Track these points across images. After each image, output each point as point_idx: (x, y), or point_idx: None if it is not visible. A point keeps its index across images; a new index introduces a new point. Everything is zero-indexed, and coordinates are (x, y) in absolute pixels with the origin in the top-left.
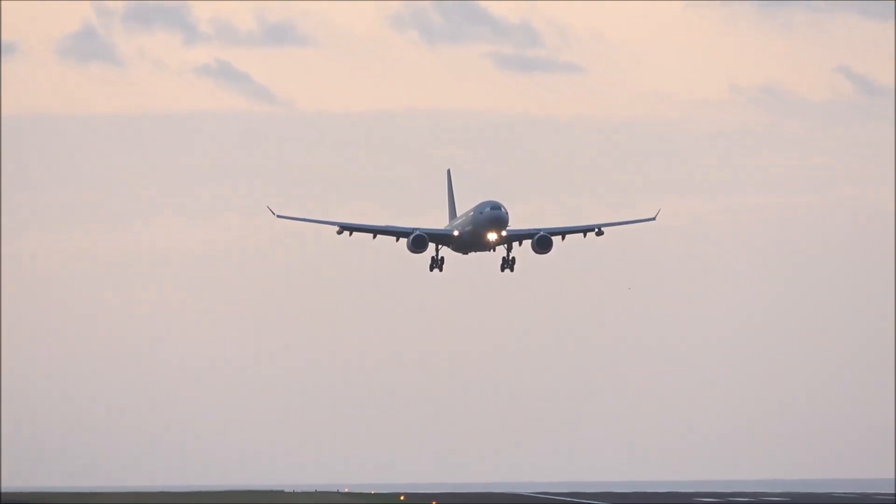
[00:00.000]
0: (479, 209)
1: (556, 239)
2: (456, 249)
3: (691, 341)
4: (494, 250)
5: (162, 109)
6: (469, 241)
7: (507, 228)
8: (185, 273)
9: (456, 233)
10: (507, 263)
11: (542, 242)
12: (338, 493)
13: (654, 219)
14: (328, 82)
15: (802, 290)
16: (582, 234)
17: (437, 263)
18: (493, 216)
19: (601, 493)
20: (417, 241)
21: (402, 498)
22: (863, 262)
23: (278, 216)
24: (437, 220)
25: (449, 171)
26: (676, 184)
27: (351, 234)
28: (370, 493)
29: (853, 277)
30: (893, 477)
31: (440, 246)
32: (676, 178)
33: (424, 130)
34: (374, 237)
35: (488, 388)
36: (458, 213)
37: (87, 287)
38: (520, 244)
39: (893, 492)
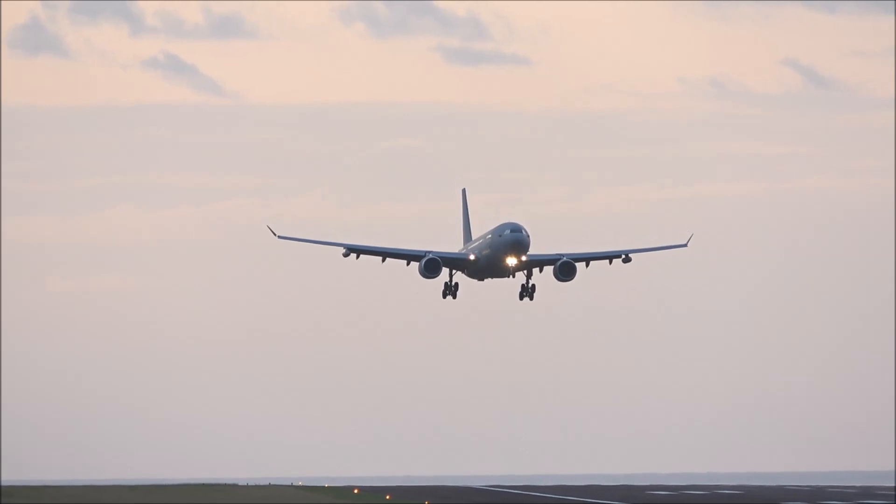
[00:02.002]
0: (497, 231)
1: (579, 265)
2: (471, 275)
3: (655, 332)
4: (513, 276)
5: (109, 102)
6: (486, 267)
7: (528, 253)
8: (134, 263)
9: (472, 257)
10: (527, 291)
11: (564, 269)
12: (291, 486)
13: (685, 245)
14: (276, 75)
15: (753, 278)
16: (608, 261)
17: (450, 290)
18: (513, 239)
19: (554, 486)
20: (430, 266)
21: (355, 491)
22: (813, 249)
23: (279, 237)
24: (451, 243)
25: (464, 191)
26: (625, 175)
27: (358, 257)
28: (324, 487)
29: (804, 265)
30: (893, 469)
31: (454, 271)
32: (625, 170)
33: (372, 123)
34: (384, 260)
35: (447, 385)
36: (475, 236)
37: (28, 276)
38: (540, 271)
39: (860, 484)
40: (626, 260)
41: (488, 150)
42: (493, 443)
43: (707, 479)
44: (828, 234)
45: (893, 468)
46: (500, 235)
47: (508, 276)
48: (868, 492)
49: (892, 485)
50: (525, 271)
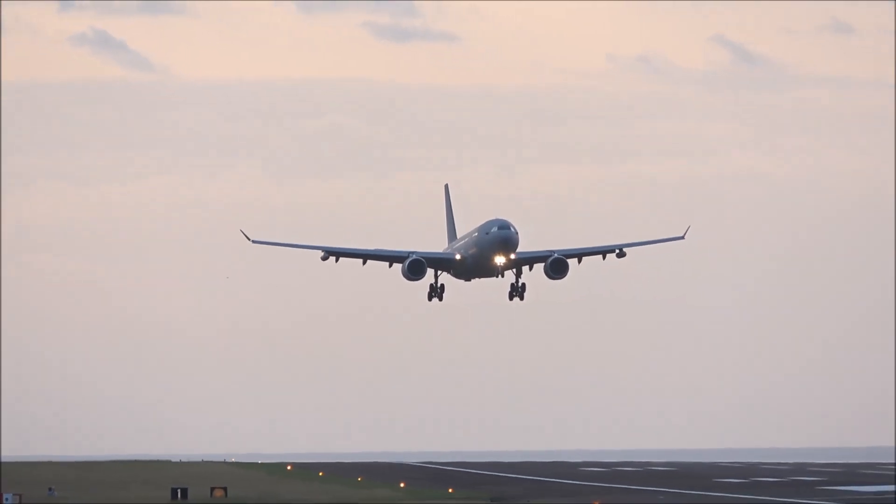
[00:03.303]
0: (484, 229)
1: (571, 262)
2: (458, 275)
3: (599, 307)
4: (502, 276)
5: (37, 78)
6: (473, 266)
7: (517, 251)
8: (60, 240)
9: (458, 256)
10: (517, 291)
11: (556, 266)
12: (224, 462)
13: (682, 237)
14: (205, 51)
15: (684, 253)
16: (601, 256)
17: (436, 292)
18: (501, 237)
19: (487, 462)
20: (414, 267)
21: (288, 468)
22: (745, 226)
23: (254, 241)
24: (435, 242)
25: (447, 187)
26: (555, 152)
27: (337, 260)
28: (257, 464)
29: (733, 242)
30: (826, 445)
31: (440, 272)
32: (555, 146)
33: (302, 99)
34: (364, 262)
35: (373, 360)
36: (459, 234)
37: None
38: (530, 268)
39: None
40: (621, 255)
41: (417, 127)
42: (427, 421)
43: (640, 457)
44: (757, 210)
45: (828, 444)
46: (486, 233)
47: (497, 276)
48: (801, 468)
49: (825, 462)
50: (514, 270)
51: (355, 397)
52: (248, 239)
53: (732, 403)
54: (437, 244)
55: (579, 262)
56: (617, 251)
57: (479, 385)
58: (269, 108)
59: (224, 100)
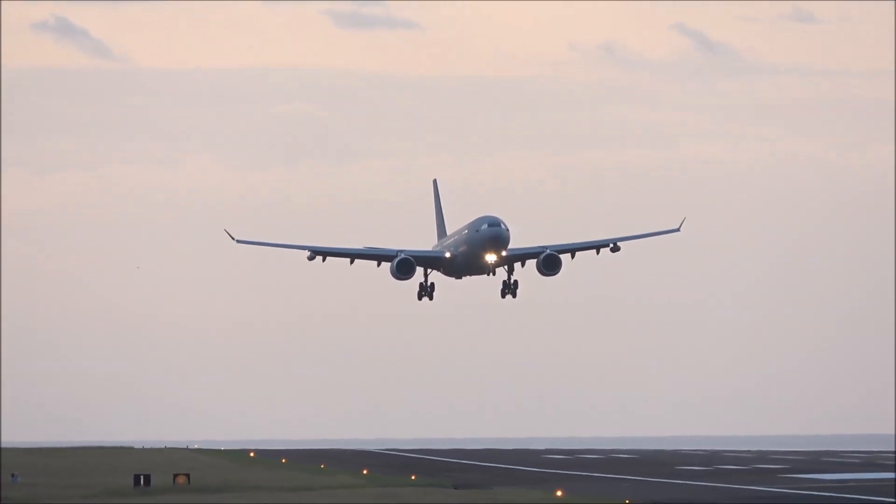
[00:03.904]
0: (474, 226)
1: (564, 257)
2: (448, 273)
3: (562, 297)
4: (493, 273)
5: None
6: (464, 264)
7: (508, 248)
8: (22, 227)
9: (448, 255)
10: (509, 288)
11: (548, 262)
12: (187, 449)
13: (678, 230)
14: (167, 39)
15: (647, 241)
16: (595, 251)
17: (426, 291)
18: (491, 234)
19: (448, 449)
20: (403, 266)
21: (251, 455)
22: (706, 214)
23: (238, 241)
24: (424, 240)
25: (435, 182)
26: (516, 141)
27: (324, 260)
28: (220, 451)
29: (695, 231)
30: (790, 433)
31: (429, 270)
32: (516, 135)
33: (263, 87)
34: (352, 262)
35: (334, 348)
36: (449, 231)
37: None
38: (522, 265)
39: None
40: (615, 249)
41: (379, 115)
42: (389, 408)
43: (603, 444)
44: (719, 198)
45: (791, 432)
46: (476, 231)
47: (488, 274)
48: (763, 456)
49: (788, 449)
50: (506, 267)
51: (317, 385)
52: (233, 238)
53: (695, 391)
54: (425, 241)
55: (572, 257)
56: (611, 246)
57: (441, 372)
58: (231, 96)
59: (186, 88)
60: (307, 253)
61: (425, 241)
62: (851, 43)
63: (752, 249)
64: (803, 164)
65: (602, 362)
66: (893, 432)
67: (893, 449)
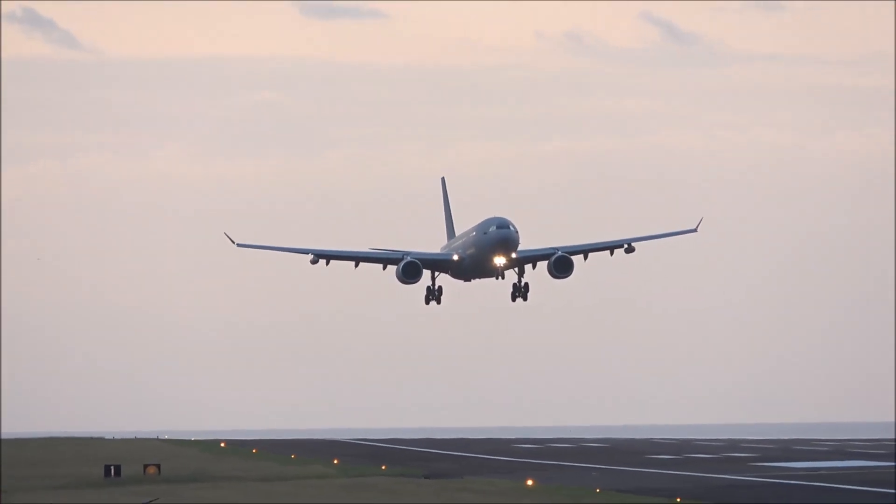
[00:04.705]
0: (482, 228)
1: (577, 258)
2: (456, 276)
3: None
4: (503, 276)
5: None
6: (472, 267)
7: (518, 250)
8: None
9: (455, 257)
10: (520, 291)
11: (560, 264)
12: (157, 440)
13: (695, 230)
14: (134, 29)
15: (616, 231)
16: (608, 252)
17: (433, 295)
18: (500, 236)
19: (421, 439)
20: (409, 270)
21: (222, 445)
22: (674, 203)
23: (238, 245)
24: (431, 241)
25: (443, 181)
26: (483, 131)
27: (328, 263)
28: (190, 441)
29: (665, 219)
30: (759, 422)
31: (437, 273)
32: (482, 125)
33: (230, 77)
34: (357, 265)
35: (306, 338)
36: (458, 233)
37: None
38: (533, 267)
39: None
40: (629, 250)
41: (346, 105)
42: (360, 398)
43: (573, 433)
44: (687, 186)
45: (761, 421)
46: (484, 233)
47: (497, 276)
48: (733, 445)
49: (758, 438)
50: (516, 269)
51: (288, 375)
52: (233, 242)
53: (665, 381)
54: (434, 243)
55: (585, 258)
56: (625, 246)
57: (411, 362)
58: (198, 86)
59: (153, 78)
60: (310, 256)
61: (434, 243)
62: (820, 30)
63: (721, 238)
64: (773, 152)
65: (571, 352)
66: (863, 421)
67: (862, 438)
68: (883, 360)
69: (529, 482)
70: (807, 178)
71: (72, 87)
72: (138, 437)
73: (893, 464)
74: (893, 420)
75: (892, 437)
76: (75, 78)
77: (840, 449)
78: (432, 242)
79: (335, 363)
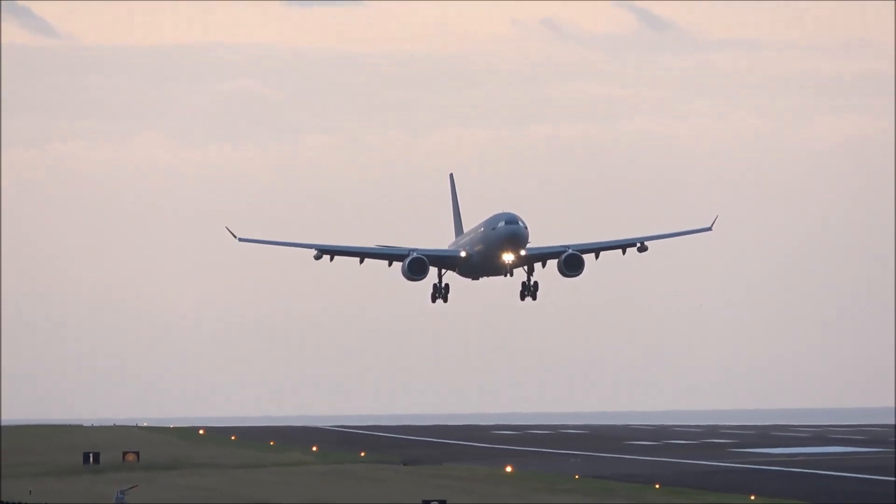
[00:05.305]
0: (490, 224)
1: (587, 257)
2: (464, 274)
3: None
4: (511, 274)
5: None
6: (480, 264)
7: (528, 247)
8: None
9: (463, 254)
10: (529, 290)
11: (570, 262)
12: (136, 427)
13: (710, 228)
14: (110, 17)
15: (591, 218)
16: (621, 251)
17: (440, 292)
18: (508, 232)
19: (398, 426)
20: (415, 266)
21: (200, 432)
22: (649, 189)
23: (240, 240)
24: (438, 238)
25: (451, 177)
26: (460, 117)
27: (332, 259)
28: (169, 428)
29: (639, 205)
30: (736, 407)
31: (444, 270)
32: (460, 111)
33: (207, 64)
34: (361, 261)
35: (282, 325)
36: (466, 229)
37: None
38: (543, 265)
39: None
40: (642, 249)
41: (322, 91)
42: (338, 385)
43: (552, 419)
44: (662, 173)
45: (739, 406)
46: (493, 228)
47: (506, 274)
48: (712, 431)
49: (737, 424)
50: (525, 267)
51: (267, 362)
52: (235, 237)
53: (644, 367)
54: (442, 239)
55: (596, 257)
56: (638, 245)
57: (388, 349)
58: (174, 73)
59: (129, 65)
60: (314, 252)
61: (441, 239)
62: (797, 16)
63: (694, 222)
64: (750, 138)
65: (550, 337)
66: (841, 406)
67: (842, 424)
68: (861, 347)
69: (508, 468)
70: (783, 165)
71: (48, 73)
72: (117, 424)
73: (871, 450)
74: (874, 406)
75: (872, 423)
76: (51, 65)
77: (819, 435)
78: (437, 240)
79: (311, 350)
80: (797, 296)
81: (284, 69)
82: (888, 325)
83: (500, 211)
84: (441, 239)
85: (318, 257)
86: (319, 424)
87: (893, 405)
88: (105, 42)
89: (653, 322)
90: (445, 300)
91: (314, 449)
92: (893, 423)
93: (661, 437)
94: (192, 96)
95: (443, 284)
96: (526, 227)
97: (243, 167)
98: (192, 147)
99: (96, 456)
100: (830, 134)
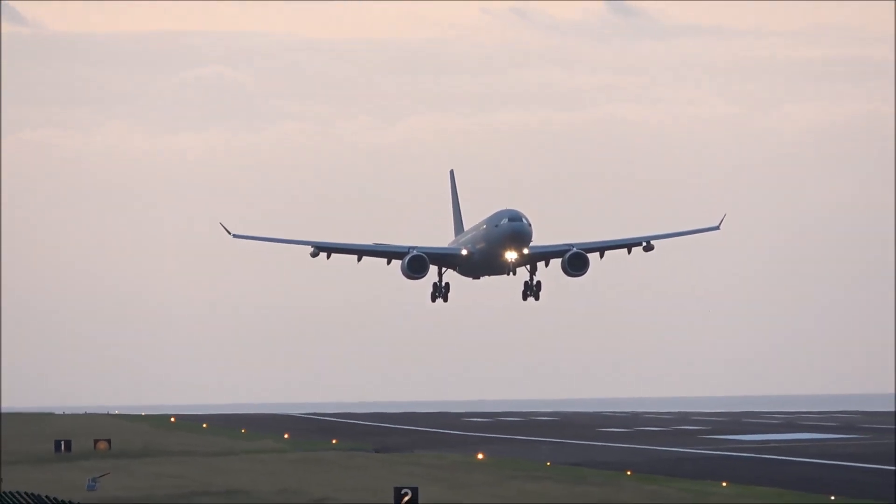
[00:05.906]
0: (493, 221)
1: (592, 256)
2: (465, 273)
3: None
4: (514, 273)
5: None
6: (482, 263)
7: (531, 245)
8: None
9: (464, 252)
10: (531, 289)
11: (575, 261)
12: (107, 415)
13: (718, 227)
14: (81, 4)
15: (562, 204)
16: (626, 250)
17: (440, 291)
18: (512, 229)
19: (370, 413)
20: (415, 264)
21: (172, 420)
22: (621, 175)
23: (234, 236)
24: (439, 236)
25: (452, 173)
26: (432, 104)
27: (329, 257)
28: (140, 416)
29: (611, 190)
30: (709, 395)
31: (444, 269)
32: (432, 99)
33: (182, 51)
34: (360, 259)
35: (258, 313)
36: (467, 227)
37: None
38: (546, 264)
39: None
40: (648, 248)
41: (296, 79)
42: (313, 371)
43: (523, 406)
44: (633, 158)
45: (711, 394)
46: (496, 226)
47: (508, 273)
48: (684, 417)
49: (708, 411)
50: (528, 266)
51: (238, 349)
52: (229, 233)
53: (615, 354)
54: (442, 238)
55: (601, 256)
56: (644, 244)
57: (361, 337)
58: (148, 61)
59: (102, 52)
60: (310, 249)
61: (440, 239)
62: (766, 2)
63: (666, 206)
64: (721, 125)
65: (522, 324)
66: (812, 393)
67: (812, 410)
68: (832, 335)
69: (480, 456)
70: (753, 150)
71: (16, 61)
72: (88, 412)
73: (842, 436)
74: (844, 393)
75: (842, 409)
76: (20, 52)
77: (790, 422)
78: (437, 238)
79: (282, 338)
80: (769, 285)
81: (258, 57)
82: (858, 315)
83: (502, 208)
84: (440, 237)
85: (314, 254)
86: (291, 412)
87: (863, 392)
88: (72, 29)
89: (624, 311)
90: (445, 299)
91: (286, 436)
92: (862, 410)
93: (632, 424)
94: (161, 83)
95: (443, 283)
96: (530, 225)
97: (215, 152)
98: (164, 133)
99: (68, 444)
100: (800, 119)
